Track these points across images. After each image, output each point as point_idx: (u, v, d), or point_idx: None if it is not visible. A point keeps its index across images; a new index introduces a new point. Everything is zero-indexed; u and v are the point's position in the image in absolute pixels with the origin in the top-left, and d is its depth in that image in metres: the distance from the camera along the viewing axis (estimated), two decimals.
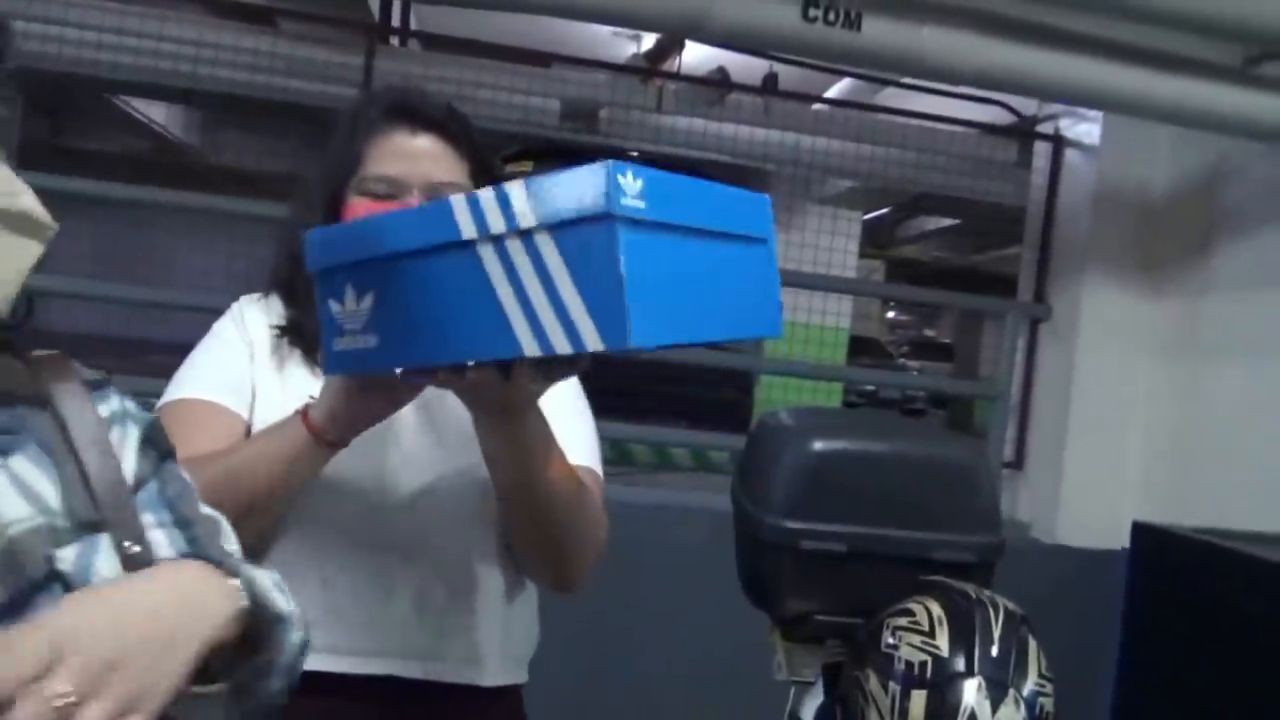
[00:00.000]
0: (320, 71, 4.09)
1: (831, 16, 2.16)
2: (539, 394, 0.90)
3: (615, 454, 3.84)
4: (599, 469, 1.13)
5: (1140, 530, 1.67)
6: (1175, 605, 1.65)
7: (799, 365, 4.76)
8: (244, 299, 1.13)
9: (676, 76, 5.01)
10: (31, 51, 4.47)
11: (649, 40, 5.74)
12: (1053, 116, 3.51)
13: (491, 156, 1.11)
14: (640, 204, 0.69)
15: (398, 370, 0.87)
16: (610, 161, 0.68)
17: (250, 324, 1.08)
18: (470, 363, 0.81)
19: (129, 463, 0.69)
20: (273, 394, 1.04)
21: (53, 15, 4.55)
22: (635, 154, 4.76)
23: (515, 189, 0.72)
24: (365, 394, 0.91)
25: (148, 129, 8.57)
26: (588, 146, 4.57)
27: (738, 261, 0.82)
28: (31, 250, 0.65)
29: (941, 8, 2.23)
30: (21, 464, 0.63)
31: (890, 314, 18.56)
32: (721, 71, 4.55)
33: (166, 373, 1.09)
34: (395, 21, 4.63)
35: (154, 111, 8.51)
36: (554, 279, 0.71)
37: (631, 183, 0.69)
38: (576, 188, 0.69)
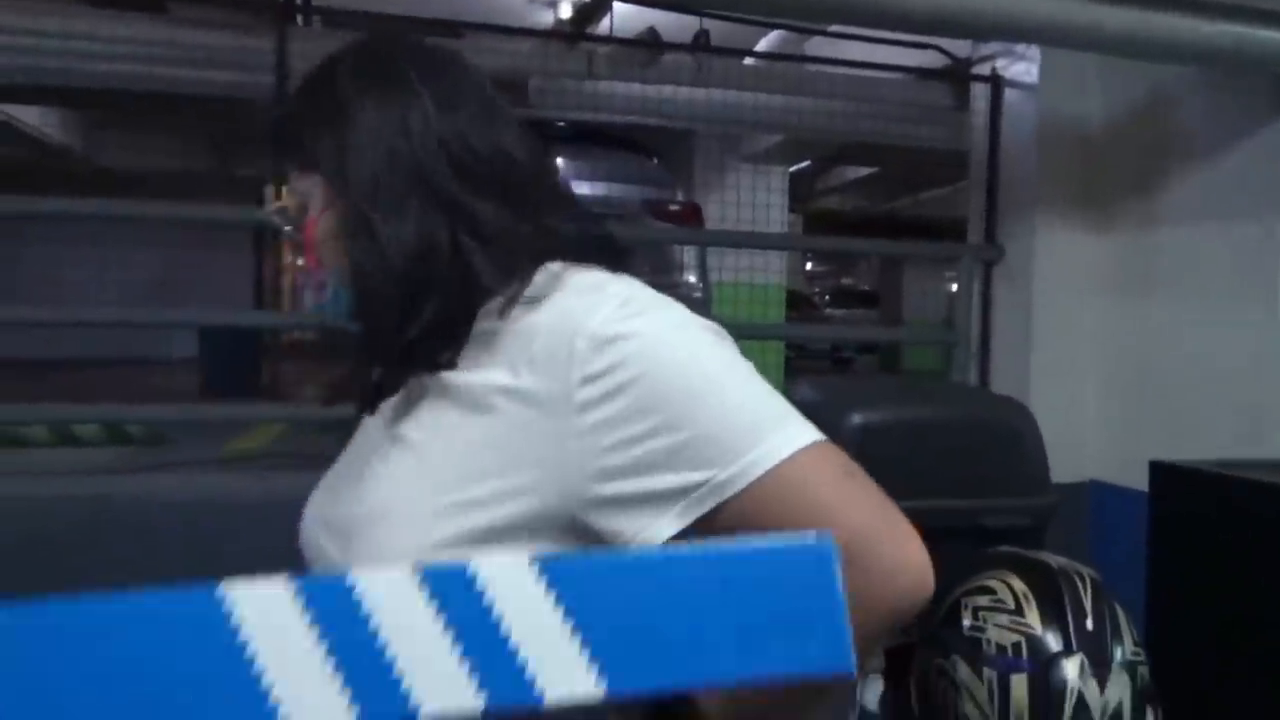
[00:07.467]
0: (223, 59, 3.81)
1: None
2: None
3: None
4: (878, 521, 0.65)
5: (1158, 469, 1.66)
6: (1196, 541, 1.64)
7: (751, 328, 4.73)
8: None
9: (607, 40, 4.83)
10: None
11: (566, 7, 5.54)
12: (988, 57, 3.47)
13: None
14: None
15: None
16: None
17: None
18: None
19: None
20: None
21: None
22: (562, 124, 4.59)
23: None
24: None
25: (22, 134, 7.97)
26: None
27: None
28: None
29: None
30: None
31: (809, 265, 18.75)
32: (652, 32, 4.40)
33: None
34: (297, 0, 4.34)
35: (27, 115, 7.92)
36: None
37: None
38: None
